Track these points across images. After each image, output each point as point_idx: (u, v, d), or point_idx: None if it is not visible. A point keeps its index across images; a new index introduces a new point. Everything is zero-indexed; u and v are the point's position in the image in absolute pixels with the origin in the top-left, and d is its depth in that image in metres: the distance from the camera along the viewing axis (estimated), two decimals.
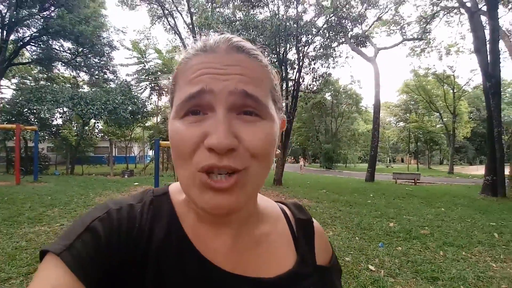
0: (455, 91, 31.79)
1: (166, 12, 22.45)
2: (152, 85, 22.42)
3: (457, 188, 15.52)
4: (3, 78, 20.36)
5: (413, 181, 17.81)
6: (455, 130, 32.91)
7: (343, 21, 13.49)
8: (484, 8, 12.27)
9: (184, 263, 0.47)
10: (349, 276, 3.57)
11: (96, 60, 22.02)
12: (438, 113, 36.20)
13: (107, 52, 21.59)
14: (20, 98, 16.54)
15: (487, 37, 12.07)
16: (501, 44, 17.37)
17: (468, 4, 13.30)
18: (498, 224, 6.58)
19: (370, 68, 20.26)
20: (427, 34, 21.80)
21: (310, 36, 13.35)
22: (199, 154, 0.41)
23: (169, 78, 0.49)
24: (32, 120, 17.60)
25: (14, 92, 20.75)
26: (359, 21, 13.43)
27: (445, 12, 20.52)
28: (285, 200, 0.64)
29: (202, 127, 0.41)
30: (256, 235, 0.53)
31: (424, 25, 21.23)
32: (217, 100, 0.41)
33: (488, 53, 11.84)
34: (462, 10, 15.30)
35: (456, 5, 17.10)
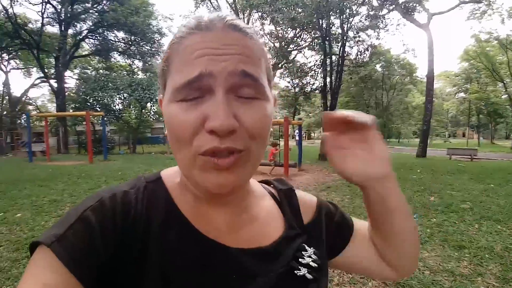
0: None
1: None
2: None
3: None
4: (67, 70, 22.84)
5: (469, 157, 16.79)
6: None
7: None
8: None
9: (187, 244, 0.47)
10: None
11: (148, 47, 23.60)
12: (502, 83, 32.80)
13: (157, 39, 23.01)
14: (86, 87, 18.51)
15: None
16: None
17: None
18: None
19: (425, 35, 19.02)
20: None
21: (354, 7, 13.00)
22: (199, 138, 0.41)
23: (162, 59, 0.48)
24: (96, 106, 19.66)
25: (77, 81, 23.20)
26: None
27: None
28: (268, 179, 0.69)
29: (201, 110, 0.41)
30: (251, 210, 0.55)
31: None
32: (217, 82, 0.41)
33: None
34: None
35: None
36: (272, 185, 0.65)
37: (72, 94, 22.75)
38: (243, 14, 18.50)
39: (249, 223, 0.54)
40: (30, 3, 19.92)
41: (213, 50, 0.42)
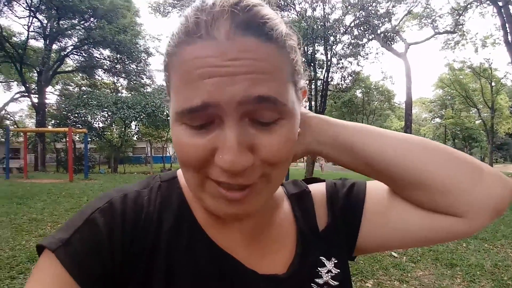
0: (493, 84, 30.27)
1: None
2: None
3: None
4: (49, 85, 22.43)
5: None
6: (493, 126, 31.37)
7: (370, 18, 13.61)
8: None
9: (197, 252, 0.44)
10: (373, 260, 3.95)
11: (134, 66, 23.59)
12: (476, 109, 34.61)
13: (143, 58, 23.13)
14: (68, 103, 18.15)
15: None
16: None
17: None
18: None
19: (402, 63, 20.02)
20: (460, 26, 21.11)
21: (337, 35, 13.61)
22: (209, 168, 0.37)
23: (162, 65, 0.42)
24: (77, 123, 19.25)
25: (58, 97, 22.78)
26: (386, 18, 13.44)
27: (478, 3, 19.79)
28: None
29: (210, 139, 0.35)
30: (271, 218, 0.51)
31: (457, 17, 20.59)
32: (226, 111, 0.34)
33: None
34: None
35: None
36: (284, 188, 0.57)
37: (52, 110, 22.23)
38: None
39: (264, 236, 0.49)
40: (16, 16, 19.80)
41: (218, 70, 0.33)
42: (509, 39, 12.08)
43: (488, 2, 18.75)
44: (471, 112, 37.66)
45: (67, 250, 0.38)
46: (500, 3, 12.69)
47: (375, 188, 0.53)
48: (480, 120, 35.46)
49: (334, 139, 0.47)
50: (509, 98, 34.91)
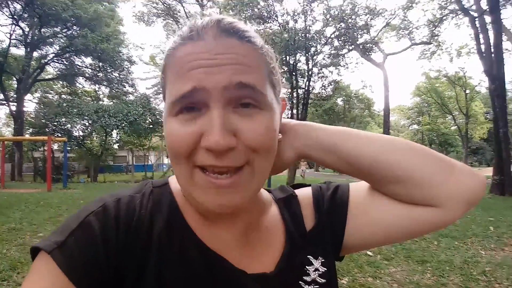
0: (467, 92, 31.63)
1: (181, 26, 23.58)
2: None
3: None
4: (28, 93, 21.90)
5: None
6: (468, 131, 32.71)
7: (350, 30, 14.13)
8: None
9: (188, 254, 0.46)
10: (349, 259, 4.13)
11: (116, 74, 23.37)
12: (451, 115, 36.01)
13: (126, 66, 22.97)
14: (48, 111, 17.79)
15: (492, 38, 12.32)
16: (508, 45, 17.68)
17: (473, 7, 13.67)
18: (497, 219, 6.93)
19: (382, 73, 20.73)
20: (436, 37, 22.07)
21: (318, 46, 14.04)
22: (197, 154, 0.40)
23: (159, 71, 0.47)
24: (57, 131, 18.84)
25: (37, 106, 22.28)
26: (365, 30, 13.99)
27: (453, 15, 20.74)
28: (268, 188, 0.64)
29: (197, 126, 0.39)
30: (256, 223, 0.53)
31: (433, 29, 21.53)
32: (211, 97, 0.39)
33: (492, 55, 12.16)
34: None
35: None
36: (272, 193, 0.60)
37: (30, 119, 21.68)
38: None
39: (253, 237, 0.52)
40: None
41: (206, 62, 0.39)
42: (482, 49, 12.67)
43: (462, 14, 19.81)
44: (447, 118, 39.11)
45: (62, 252, 0.39)
46: (475, 14, 13.35)
47: (358, 190, 0.57)
48: (456, 127, 36.88)
49: (319, 142, 0.52)
50: (484, 104, 36.47)
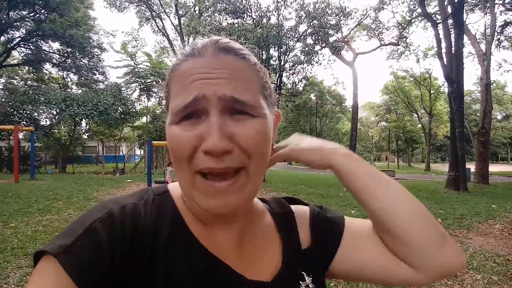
0: (431, 92, 33.29)
1: (154, 14, 23.15)
2: (141, 86, 23.14)
3: (426, 183, 16.79)
4: None
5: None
6: (431, 129, 34.57)
7: (322, 29, 14.59)
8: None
9: (192, 260, 0.48)
10: None
11: (85, 61, 22.60)
12: (416, 114, 37.83)
13: (96, 54, 22.25)
14: (14, 99, 17.06)
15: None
16: (471, 49, 18.83)
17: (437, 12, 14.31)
18: (446, 212, 7.53)
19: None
20: (404, 39, 23.11)
21: (291, 43, 14.42)
22: (197, 158, 0.43)
23: (163, 86, 0.51)
24: (23, 120, 18.16)
25: (1, 92, 21.21)
26: (335, 29, 14.49)
27: (421, 18, 21.66)
28: (265, 197, 0.66)
29: (197, 131, 0.43)
30: (255, 228, 0.56)
31: (401, 31, 22.49)
32: (210, 104, 0.43)
33: (451, 59, 12.79)
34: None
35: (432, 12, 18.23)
36: (269, 205, 0.63)
37: None
38: (188, 39, 19.10)
39: (253, 240, 0.55)
40: None
41: (205, 75, 0.44)
42: (443, 53, 13.25)
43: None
44: (413, 117, 41.04)
45: (69, 256, 0.39)
46: (439, 20, 13.95)
47: (353, 224, 0.62)
48: (420, 125, 38.77)
49: (352, 179, 0.56)
50: (448, 104, 38.42)
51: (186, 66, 0.46)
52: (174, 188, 0.55)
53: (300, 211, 0.64)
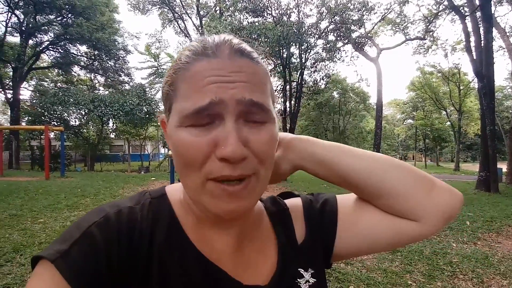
0: (461, 88, 31.91)
1: (177, 15, 23.61)
2: None
3: (455, 184, 16.13)
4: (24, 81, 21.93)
5: None
6: (460, 127, 33.09)
7: (344, 25, 14.30)
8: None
9: (187, 264, 0.47)
10: None
11: (112, 63, 23.43)
12: (445, 111, 36.33)
13: (122, 56, 23.07)
14: (44, 100, 17.92)
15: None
16: (501, 43, 17.90)
17: (464, 4, 13.73)
18: (475, 215, 7.18)
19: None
20: (431, 33, 22.24)
21: (312, 40, 14.23)
22: (210, 164, 0.41)
23: (164, 83, 0.48)
24: (53, 120, 19.01)
25: (33, 93, 22.30)
26: (358, 25, 14.16)
27: (448, 11, 20.79)
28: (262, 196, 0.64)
29: (211, 137, 0.41)
30: (252, 231, 0.55)
31: (427, 24, 21.66)
32: (227, 109, 0.41)
33: (481, 53, 12.23)
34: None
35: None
36: (264, 204, 0.62)
37: (25, 107, 21.79)
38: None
39: (246, 247, 0.54)
40: None
41: (222, 78, 0.42)
42: (472, 47, 12.74)
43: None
44: (441, 114, 39.49)
45: (66, 261, 0.40)
46: (467, 12, 13.38)
47: (346, 202, 0.61)
48: (449, 122, 37.25)
49: (315, 156, 0.56)
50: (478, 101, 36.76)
51: (200, 66, 0.44)
52: (172, 191, 0.55)
53: (294, 204, 0.63)
